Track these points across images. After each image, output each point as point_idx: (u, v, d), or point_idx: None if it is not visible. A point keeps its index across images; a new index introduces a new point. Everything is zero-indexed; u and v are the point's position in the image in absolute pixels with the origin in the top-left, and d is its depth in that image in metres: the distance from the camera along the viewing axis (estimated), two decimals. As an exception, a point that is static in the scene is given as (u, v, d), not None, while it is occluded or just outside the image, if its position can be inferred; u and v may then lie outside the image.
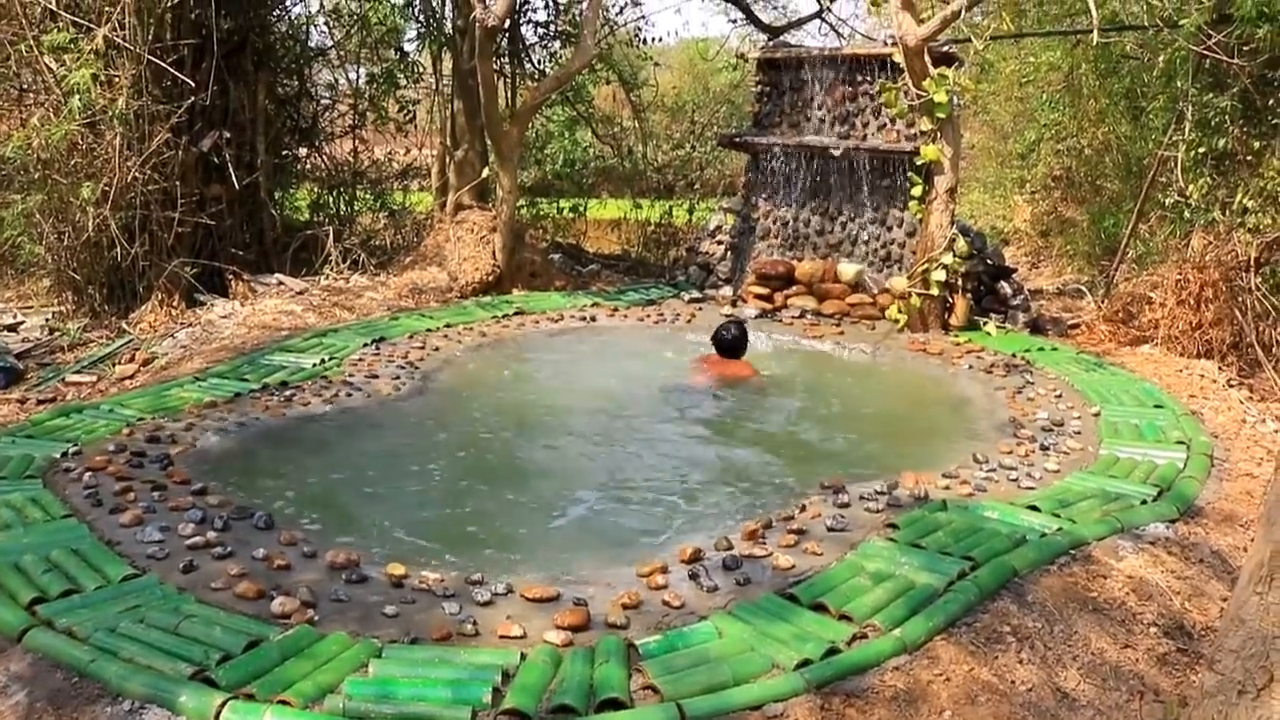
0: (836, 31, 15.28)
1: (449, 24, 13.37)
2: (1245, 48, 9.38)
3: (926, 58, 9.54)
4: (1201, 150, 9.94)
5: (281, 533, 4.64)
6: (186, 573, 4.16)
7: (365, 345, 8.46)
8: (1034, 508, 5.18)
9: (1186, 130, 10.03)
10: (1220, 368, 8.74)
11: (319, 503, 5.42)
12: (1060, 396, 7.74)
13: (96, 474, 5.26)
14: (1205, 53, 9.34)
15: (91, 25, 9.38)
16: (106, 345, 9.00)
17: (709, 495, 5.87)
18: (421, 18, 13.70)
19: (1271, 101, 9.37)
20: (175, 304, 9.74)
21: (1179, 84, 10.23)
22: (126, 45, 9.45)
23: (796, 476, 6.05)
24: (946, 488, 5.60)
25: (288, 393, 7.05)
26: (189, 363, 8.02)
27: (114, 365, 8.42)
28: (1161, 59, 10.32)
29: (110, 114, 9.36)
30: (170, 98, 9.88)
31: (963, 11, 8.93)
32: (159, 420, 6.29)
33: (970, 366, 8.78)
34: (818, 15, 14.80)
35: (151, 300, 9.70)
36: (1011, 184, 17.53)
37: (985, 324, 10.13)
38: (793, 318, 10.53)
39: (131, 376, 8.03)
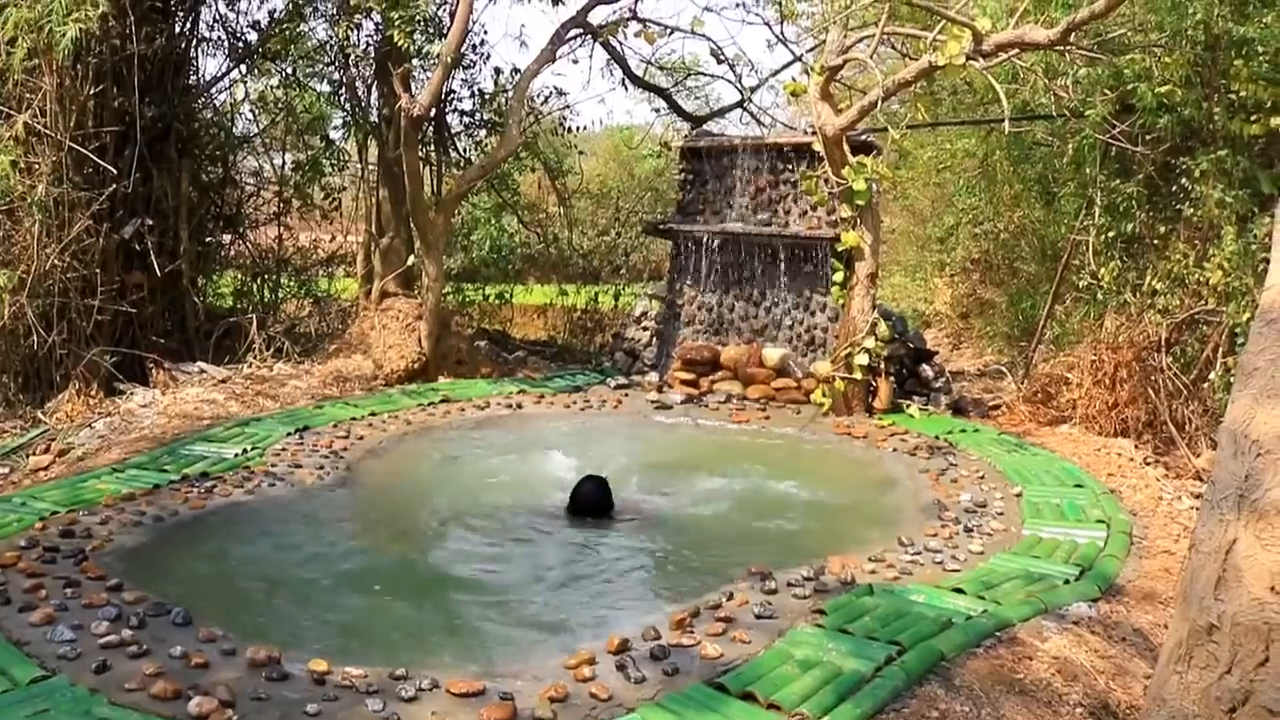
0: (758, 120, 15.59)
1: (374, 113, 13.43)
2: (1148, 136, 9.76)
3: (845, 146, 9.79)
4: (1111, 234, 10.27)
5: (200, 629, 4.53)
6: (99, 673, 4.04)
7: (289, 434, 8.35)
8: (959, 590, 5.23)
9: (1096, 215, 10.36)
10: (1137, 446, 8.95)
11: (239, 598, 5.30)
12: (983, 478, 7.86)
13: (6, 571, 5.11)
14: (1111, 141, 9.70)
15: (12, 111, 9.29)
16: (20, 436, 8.78)
17: (635, 584, 5.84)
18: (347, 106, 13.76)
19: (1175, 188, 9.72)
20: (94, 393, 9.55)
21: (1088, 170, 10.59)
22: (47, 132, 9.36)
23: (723, 563, 6.04)
24: (873, 572, 5.63)
25: (209, 484, 6.93)
26: (107, 453, 7.85)
27: (28, 456, 8.20)
28: (1071, 146, 10.68)
29: (29, 201, 9.24)
30: (92, 185, 9.78)
31: (879, 102, 9.19)
32: (74, 513, 6.14)
33: (895, 449, 8.89)
34: (739, 105, 15.08)
35: (69, 389, 9.49)
36: (931, 267, 17.90)
37: (908, 406, 10.27)
38: (719, 403, 10.60)
39: (46, 468, 7.83)
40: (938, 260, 17.45)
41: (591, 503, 7.00)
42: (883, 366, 10.26)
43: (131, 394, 9.71)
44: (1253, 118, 8.92)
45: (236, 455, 7.63)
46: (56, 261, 9.42)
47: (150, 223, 10.55)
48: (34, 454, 8.23)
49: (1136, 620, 5.12)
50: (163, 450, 7.73)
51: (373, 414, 9.29)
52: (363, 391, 10.42)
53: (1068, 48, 8.65)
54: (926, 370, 10.88)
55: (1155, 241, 10.13)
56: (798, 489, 8.05)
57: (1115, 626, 4.99)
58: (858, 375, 10.01)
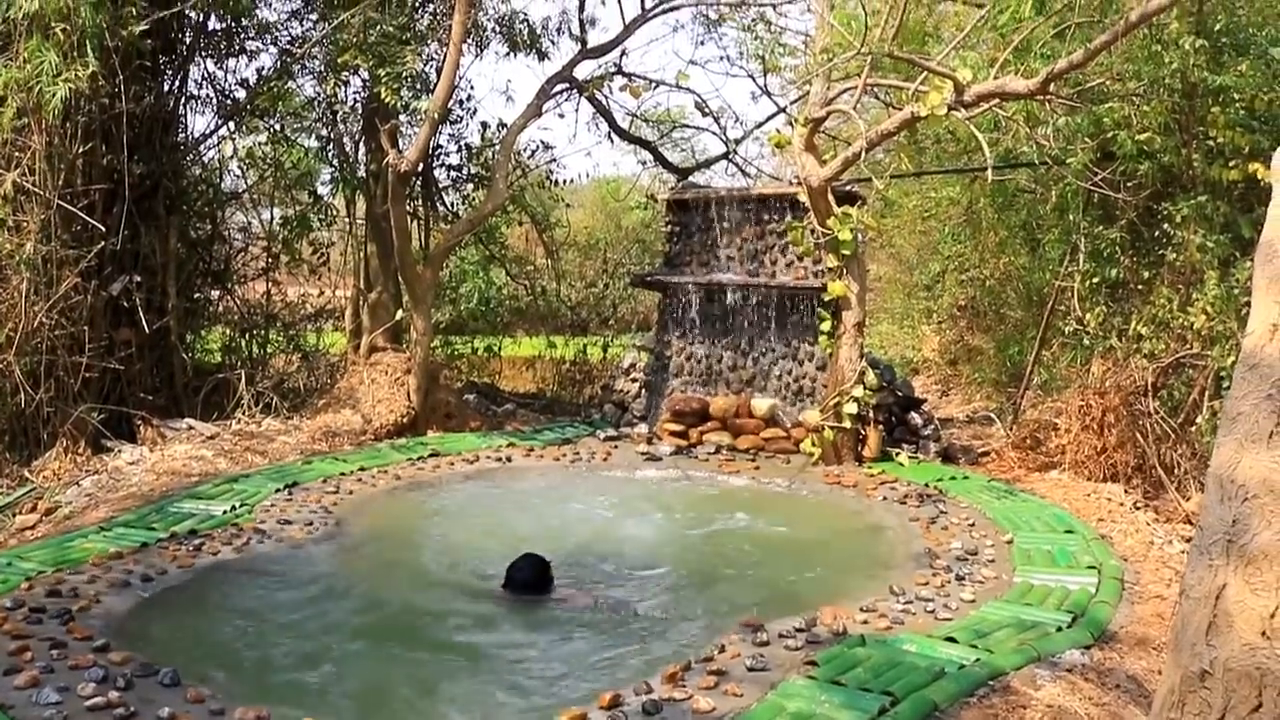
0: (743, 171, 15.72)
1: (362, 168, 13.52)
2: (1130, 183, 9.87)
3: (830, 197, 9.87)
4: (1096, 280, 10.35)
5: (188, 690, 4.49)
6: (87, 735, 3.99)
7: (277, 490, 8.32)
8: (951, 639, 5.21)
9: (1081, 261, 10.45)
10: (1126, 491, 8.97)
11: (228, 657, 5.26)
12: (973, 525, 7.85)
13: (-9, 632, 5.06)
14: (1093, 188, 9.80)
15: (0, 170, 9.32)
16: (7, 495, 8.72)
17: (625, 638, 5.81)
18: (335, 162, 13.84)
19: (1157, 233, 9.82)
20: (81, 451, 9.49)
21: (1071, 217, 10.70)
22: (36, 190, 9.39)
23: (714, 615, 6.02)
24: (865, 622, 5.61)
25: (197, 541, 6.89)
26: (94, 512, 7.80)
27: (14, 515, 8.14)
28: (1054, 193, 10.79)
29: (17, 259, 9.25)
30: (80, 242, 9.79)
31: (863, 153, 9.28)
32: (60, 573, 6.09)
33: (885, 498, 8.89)
34: (725, 157, 15.22)
35: (56, 447, 9.43)
36: (919, 314, 17.99)
37: (898, 454, 10.28)
38: (708, 454, 10.60)
39: (32, 527, 7.78)
40: (925, 307, 17.55)
41: (524, 584, 6.45)
42: (871, 415, 10.29)
43: (119, 451, 9.66)
44: (1231, 163, 9.05)
45: (225, 512, 7.60)
46: (44, 319, 9.41)
47: (138, 279, 10.55)
48: (20, 513, 8.17)
49: (1130, 667, 5.10)
50: (151, 508, 7.69)
51: (362, 469, 9.26)
52: (352, 446, 10.39)
53: (1048, 97, 8.76)
54: (915, 418, 10.90)
55: (1139, 286, 10.22)
56: (788, 539, 8.04)
57: (1109, 673, 4.98)
58: (847, 424, 10.03)
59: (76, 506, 8.10)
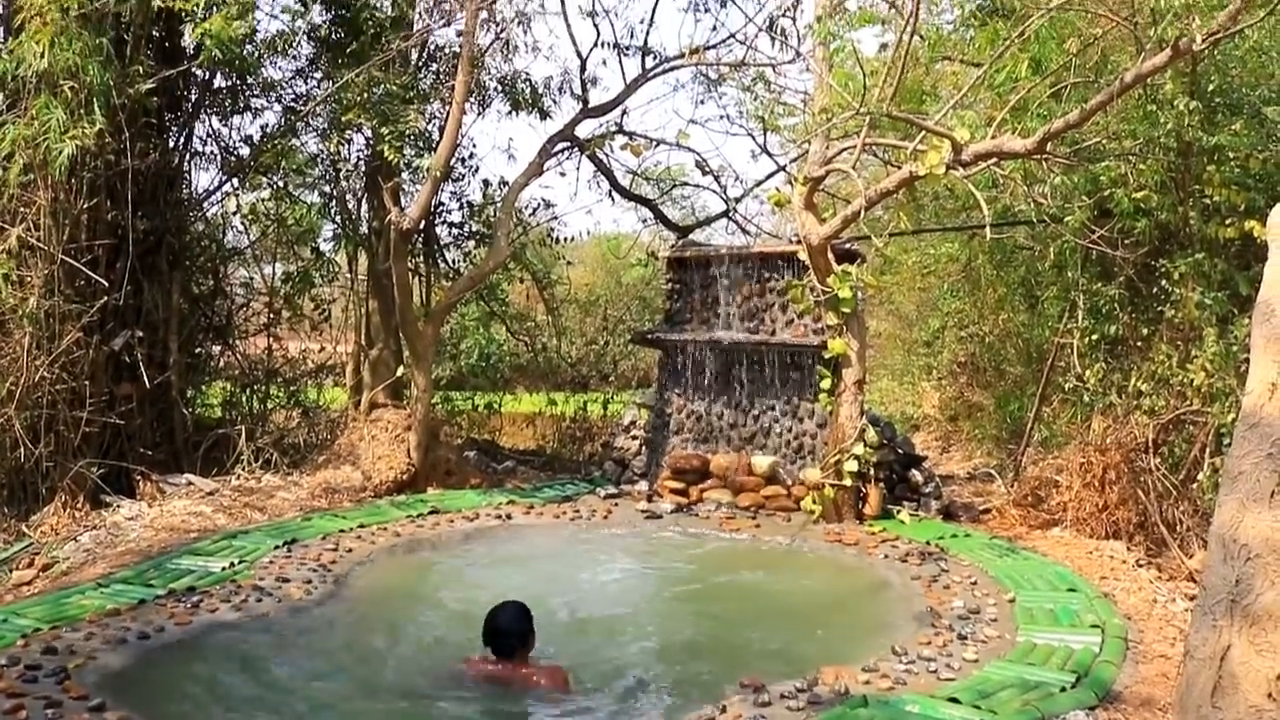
0: (743, 229, 15.81)
1: (365, 225, 13.60)
2: (1127, 240, 9.93)
3: (830, 255, 9.93)
4: (1095, 336, 10.37)
5: (185, 749, 4.44)
6: (82, 796, 3.95)
7: (276, 547, 8.28)
8: (954, 699, 5.17)
9: (1080, 318, 10.48)
10: (1129, 548, 8.93)
11: (225, 718, 5.21)
12: (975, 584, 7.81)
13: (-13, 690, 5.02)
14: (1091, 245, 9.86)
15: (5, 225, 9.39)
16: (3, 550, 8.69)
17: (625, 697, 5.76)
18: (337, 218, 13.93)
19: (1155, 290, 9.86)
20: (79, 506, 9.47)
21: (1070, 274, 10.74)
22: (40, 246, 9.45)
23: (715, 674, 5.97)
24: (867, 682, 5.57)
25: (195, 598, 6.85)
26: (92, 567, 7.76)
27: (10, 571, 8.11)
28: (1052, 251, 10.84)
29: (20, 313, 9.29)
30: (83, 297, 9.83)
31: (862, 212, 9.35)
32: (57, 630, 6.04)
33: (886, 556, 8.85)
34: (725, 215, 15.32)
35: (55, 502, 9.42)
36: (919, 371, 18.01)
37: (899, 512, 10.25)
38: (709, 511, 10.56)
39: (29, 583, 7.74)
40: (924, 364, 17.58)
41: (494, 633, 5.78)
42: (872, 473, 10.27)
43: (118, 506, 9.64)
44: (1227, 221, 9.11)
45: (224, 569, 7.56)
46: (45, 373, 9.42)
47: (140, 334, 10.59)
48: (17, 568, 8.15)
49: (1135, 728, 5.06)
50: (149, 564, 7.65)
51: (361, 526, 9.23)
52: (351, 503, 10.36)
53: (1045, 156, 8.84)
54: (916, 475, 10.88)
55: (1138, 343, 10.24)
56: (790, 598, 7.99)
57: (1113, 735, 4.94)
58: (847, 482, 10.02)
59: (74, 562, 8.06)
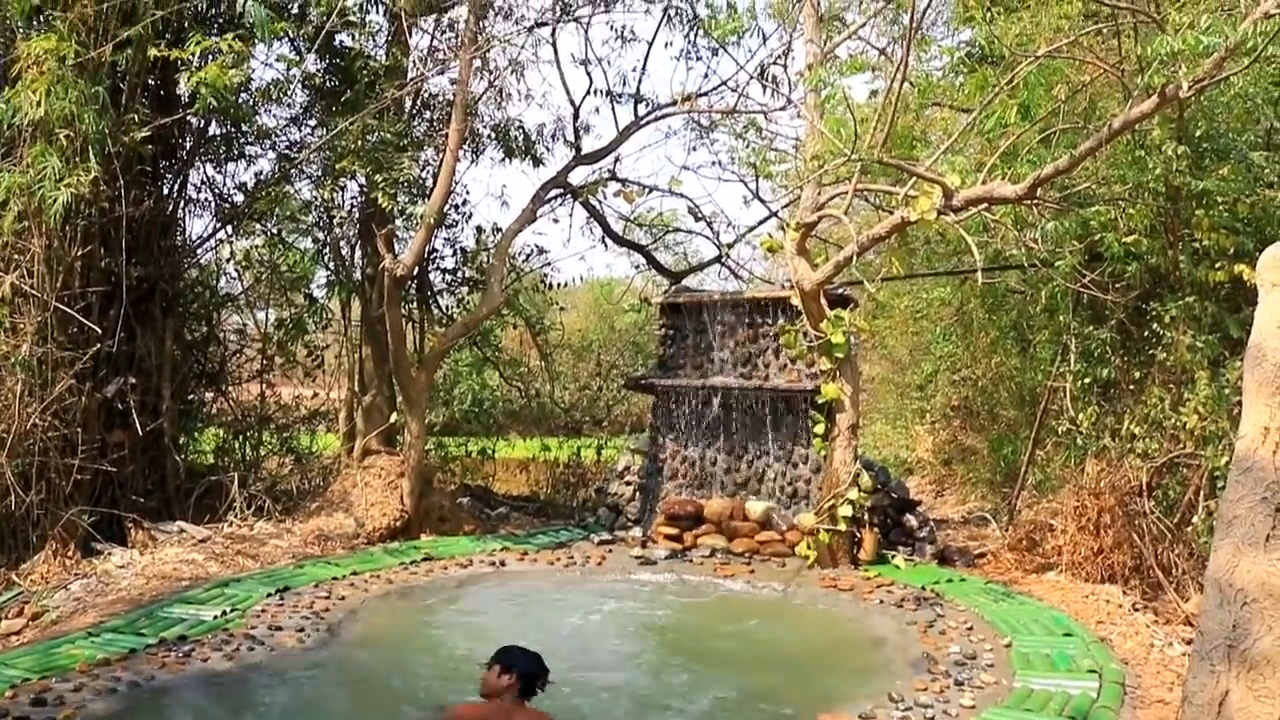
0: (736, 275, 15.88)
1: (358, 271, 13.63)
2: (1118, 284, 9.97)
3: (823, 300, 9.96)
4: (1088, 380, 10.39)
5: (176, 800, 4.39)
6: None
7: (269, 595, 8.23)
8: (952, 747, 5.13)
9: (1072, 361, 10.51)
10: (1125, 592, 8.90)
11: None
12: (971, 629, 7.78)
13: (-25, 741, 4.97)
14: (1082, 289, 9.90)
15: (-1, 273, 9.40)
16: (-7, 600, 8.63)
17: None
18: (331, 265, 13.96)
19: (1147, 333, 9.89)
20: (70, 554, 9.41)
21: (1061, 318, 10.78)
22: (34, 293, 9.45)
23: (713, 720, 5.93)
24: (864, 729, 5.53)
25: (186, 648, 6.80)
26: (82, 616, 7.71)
27: (0, 620, 8.04)
28: (1044, 294, 10.89)
29: (12, 360, 9.27)
30: (76, 344, 9.82)
31: (855, 257, 9.39)
32: (46, 680, 6.00)
33: (881, 601, 8.81)
34: (717, 260, 15.39)
35: (45, 550, 9.35)
36: (912, 414, 18.01)
37: (894, 557, 10.22)
38: (703, 557, 10.52)
39: (18, 632, 7.68)
40: (918, 407, 17.58)
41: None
42: (867, 517, 10.25)
43: (109, 554, 9.58)
44: (1217, 265, 9.16)
45: (215, 617, 7.51)
46: (38, 421, 9.39)
47: (133, 381, 10.57)
48: (6, 617, 8.07)
49: (1134, 775, 5.02)
50: (140, 613, 7.60)
51: (354, 573, 9.18)
52: (344, 550, 10.31)
53: (1035, 201, 8.90)
54: (911, 520, 10.86)
55: (1131, 386, 10.26)
56: (785, 644, 7.95)
57: (1112, 782, 4.90)
58: (842, 527, 9.99)
59: (64, 611, 8.01)
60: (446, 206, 12.44)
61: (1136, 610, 8.43)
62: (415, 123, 12.83)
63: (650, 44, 13.97)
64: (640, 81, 13.69)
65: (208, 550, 9.79)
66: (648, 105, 13.65)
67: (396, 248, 11.81)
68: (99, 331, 9.92)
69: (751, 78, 13.12)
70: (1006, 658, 7.02)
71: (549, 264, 15.18)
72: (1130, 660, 7.00)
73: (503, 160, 13.75)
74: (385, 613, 8.37)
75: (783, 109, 13.30)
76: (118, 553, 9.64)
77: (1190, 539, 9.12)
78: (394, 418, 12.27)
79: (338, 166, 10.99)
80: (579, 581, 9.75)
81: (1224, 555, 2.93)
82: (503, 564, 10.02)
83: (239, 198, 12.88)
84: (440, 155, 11.99)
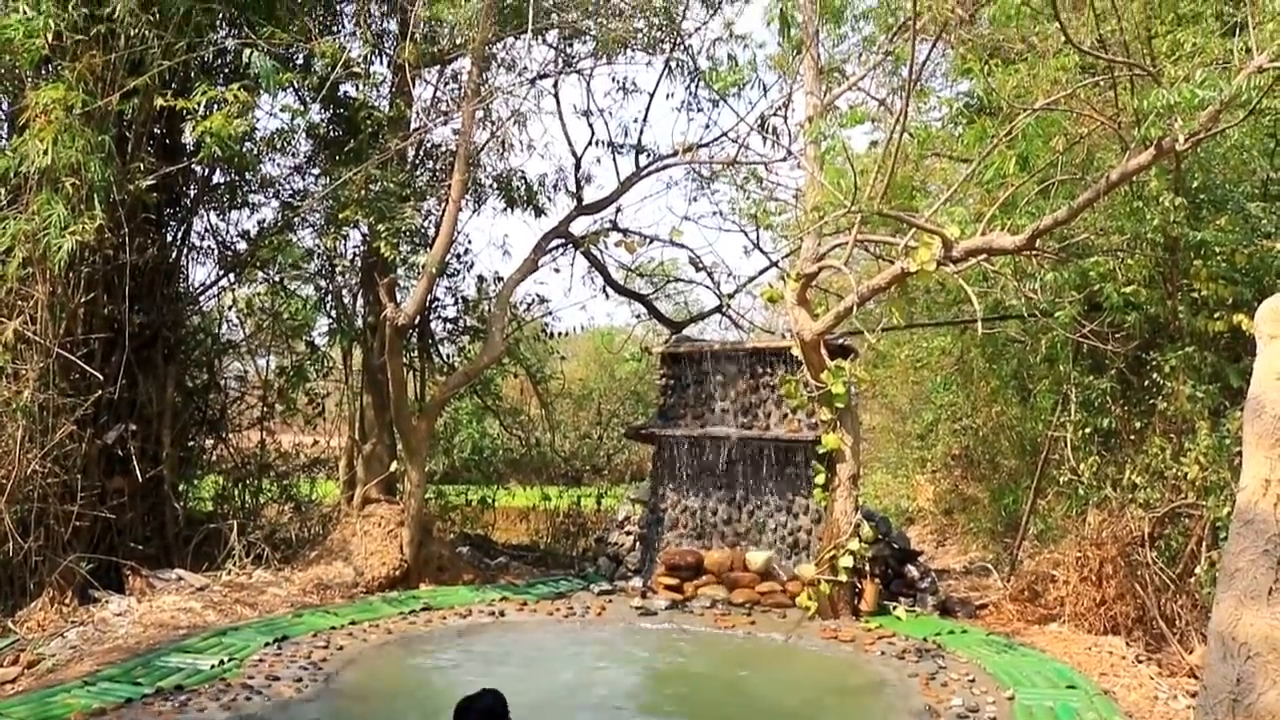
0: (736, 324, 15.91)
1: (360, 319, 13.67)
2: (1118, 333, 10.00)
3: (823, 350, 9.98)
4: (1088, 429, 10.39)
5: None
6: None
7: (267, 644, 8.19)
8: (955, 801, 5.09)
9: (1072, 411, 10.51)
10: (1128, 643, 8.85)
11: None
12: (973, 681, 7.73)
13: (-31, 793, 4.92)
14: (1082, 339, 9.93)
15: (2, 319, 9.41)
16: (-11, 648, 8.57)
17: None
18: (333, 313, 14.00)
19: (1147, 383, 9.90)
20: (67, 601, 9.36)
21: (1062, 367, 10.80)
22: (37, 339, 9.47)
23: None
24: (866, 782, 5.48)
25: (183, 697, 6.76)
26: (79, 664, 7.66)
27: (-5, 668, 7.99)
28: (1044, 344, 10.91)
29: (14, 407, 9.27)
30: (77, 390, 9.83)
31: (855, 308, 9.42)
32: (42, 730, 5.96)
33: (883, 653, 8.76)
34: (718, 310, 15.43)
35: (42, 597, 9.31)
36: (913, 464, 17.97)
37: (895, 608, 10.17)
38: (704, 608, 10.47)
39: (13, 681, 7.61)
40: (919, 457, 17.54)
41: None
42: (868, 568, 10.21)
43: (107, 602, 9.53)
44: (1216, 315, 9.19)
45: (213, 666, 7.46)
46: (37, 467, 9.37)
47: (134, 428, 10.57)
48: (2, 665, 8.01)
49: (1139, 830, 4.97)
50: (137, 661, 7.56)
51: (353, 623, 9.14)
52: (343, 599, 10.27)
53: (1034, 252, 8.94)
54: (912, 570, 10.82)
55: (1131, 436, 10.26)
56: (786, 697, 7.89)
57: (1117, 837, 4.85)
58: (843, 578, 9.95)
59: (60, 659, 7.96)
60: (448, 256, 12.50)
61: (1140, 662, 8.38)
62: (418, 172, 12.93)
63: (651, 95, 14.10)
64: (641, 132, 13.82)
65: (206, 598, 9.74)
66: (649, 156, 13.76)
67: (398, 296, 11.85)
68: (100, 378, 9.93)
69: (752, 129, 13.23)
70: (1009, 711, 6.97)
71: (550, 313, 15.24)
72: (1135, 714, 6.95)
73: (504, 210, 13.85)
74: (384, 663, 8.32)
75: (783, 160, 13.39)
76: (115, 600, 9.60)
77: (1193, 589, 9.08)
78: (394, 466, 12.25)
79: (340, 215, 11.05)
80: (579, 632, 9.70)
81: (1227, 608, 2.92)
82: (502, 614, 9.96)
83: (242, 245, 12.95)
84: (442, 205, 12.08)
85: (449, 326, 14.63)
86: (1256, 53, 7.26)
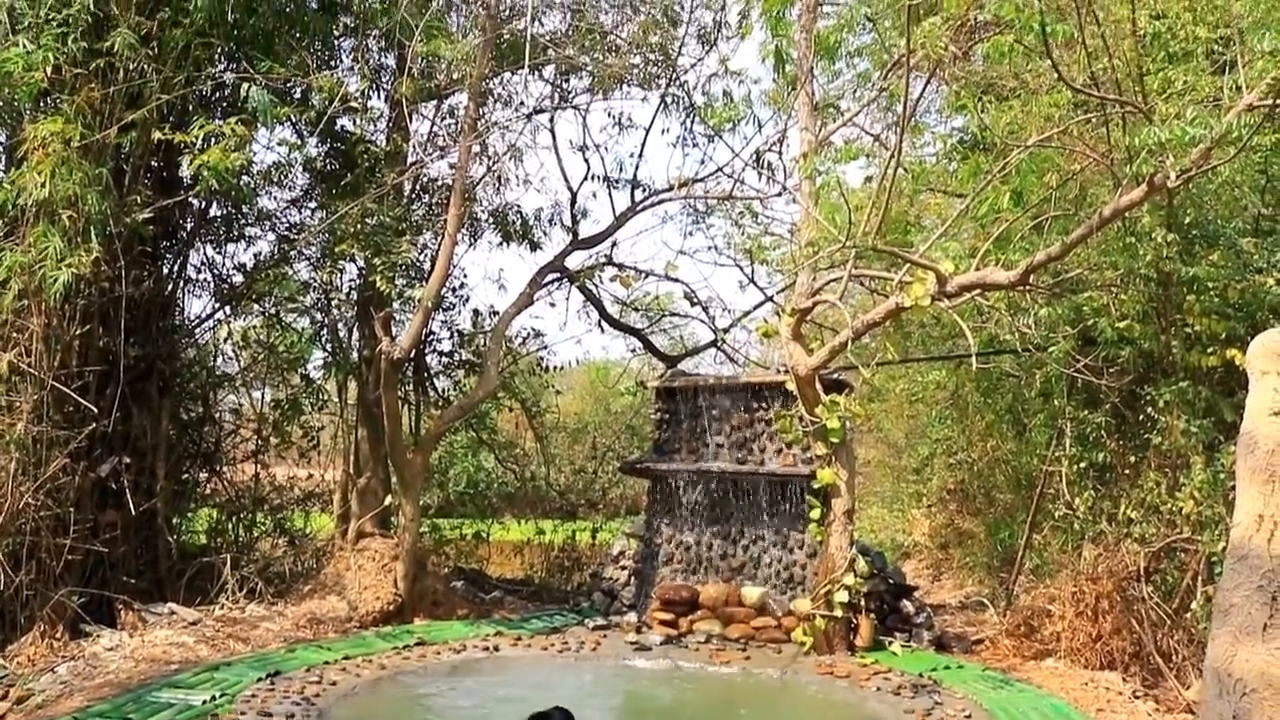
0: (731, 359, 15.92)
1: (355, 353, 13.67)
2: (1112, 368, 10.03)
3: (818, 385, 9.99)
4: (1083, 464, 10.39)
5: None
6: None
7: (259, 679, 8.13)
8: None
9: (1067, 445, 10.51)
10: (1124, 679, 8.82)
11: None
12: (969, 717, 7.70)
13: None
14: (1076, 373, 9.95)
15: (-3, 352, 9.42)
16: (-22, 683, 8.50)
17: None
18: (328, 346, 14.00)
19: (1141, 417, 9.92)
20: (58, 635, 9.30)
21: (1056, 402, 10.82)
22: (31, 371, 9.46)
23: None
24: (861, 820, 5.45)
25: (173, 733, 6.70)
26: (69, 700, 7.60)
27: (-17, 705, 7.93)
28: (1038, 378, 10.93)
29: (7, 439, 9.25)
30: (71, 423, 9.81)
31: (849, 343, 9.44)
32: (32, 766, 5.91)
33: (878, 688, 8.72)
34: (713, 344, 15.43)
35: (33, 631, 9.24)
36: (908, 498, 17.94)
37: (890, 643, 10.13)
38: (699, 643, 10.42)
39: (3, 716, 7.56)
40: (914, 491, 17.52)
41: None
42: (863, 603, 10.17)
43: (98, 636, 9.48)
44: (1209, 350, 9.23)
45: (204, 702, 7.41)
46: (30, 500, 9.34)
47: (128, 461, 10.55)
48: (-9, 701, 7.96)
49: None
50: (127, 697, 7.50)
51: (346, 657, 9.08)
52: (337, 633, 10.21)
53: (1028, 288, 8.97)
54: (908, 606, 10.79)
55: (1127, 470, 10.27)
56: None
57: None
58: (838, 613, 9.92)
59: (50, 695, 7.89)
60: (444, 290, 12.53)
61: (1137, 698, 8.35)
62: (414, 207, 12.97)
63: (647, 131, 14.12)
64: (637, 167, 13.94)
65: (198, 633, 9.69)
66: (644, 190, 13.81)
67: (394, 330, 11.85)
68: (95, 411, 9.91)
69: (747, 164, 13.29)
70: (1005, 747, 6.94)
71: (545, 347, 15.24)
72: (1131, 750, 6.93)
73: (500, 244, 13.89)
74: (377, 698, 8.27)
75: (778, 195, 13.44)
76: (106, 635, 9.54)
77: (1190, 624, 9.06)
78: (389, 500, 12.21)
79: (337, 249, 11.08)
80: (573, 667, 9.65)
81: (1222, 644, 2.92)
82: (496, 649, 9.91)
83: (238, 278, 12.97)
84: (438, 239, 12.11)
85: (444, 360, 14.63)
86: (1246, 91, 7.32)
